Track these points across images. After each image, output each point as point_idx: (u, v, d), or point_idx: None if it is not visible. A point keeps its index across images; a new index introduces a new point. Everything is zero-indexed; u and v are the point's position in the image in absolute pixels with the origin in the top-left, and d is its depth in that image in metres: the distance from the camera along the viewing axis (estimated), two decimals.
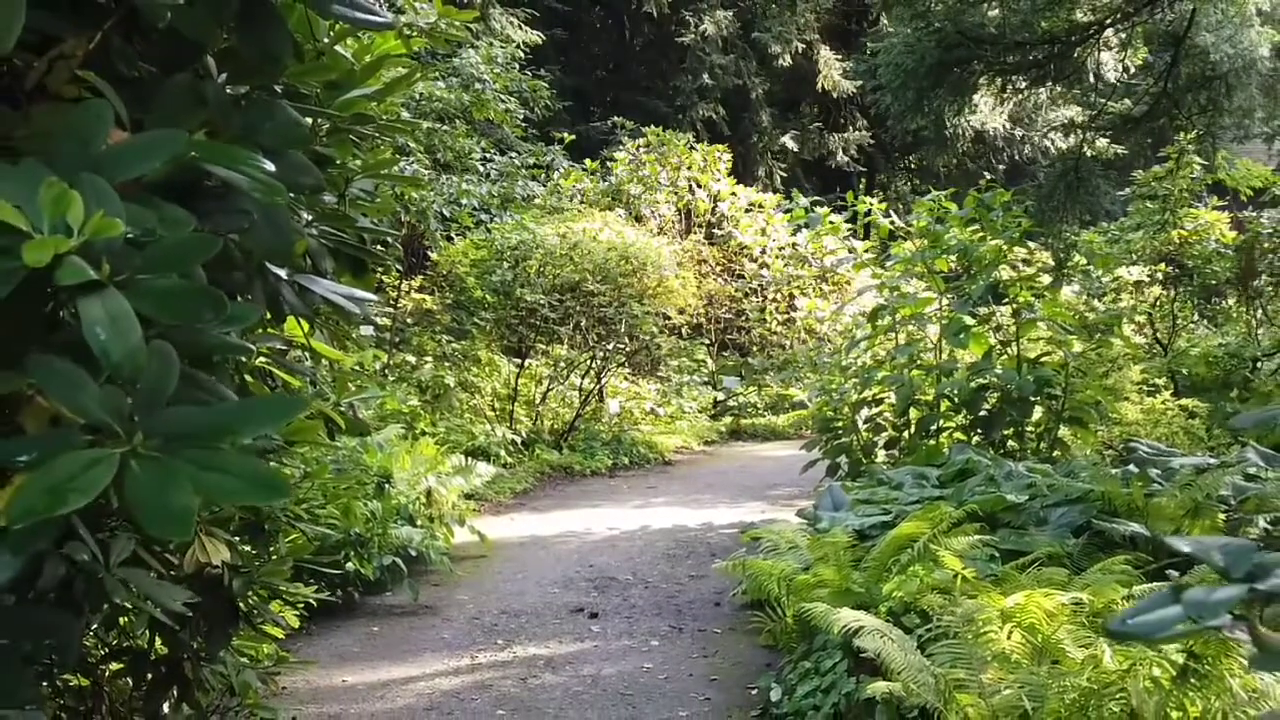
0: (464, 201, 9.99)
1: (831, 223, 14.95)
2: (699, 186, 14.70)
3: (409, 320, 10.41)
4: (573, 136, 14.32)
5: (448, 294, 10.62)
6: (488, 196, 10.82)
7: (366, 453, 6.00)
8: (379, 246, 2.12)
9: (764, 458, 11.61)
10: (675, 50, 20.34)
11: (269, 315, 1.70)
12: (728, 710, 3.92)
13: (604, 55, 22.71)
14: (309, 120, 1.77)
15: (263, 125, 1.42)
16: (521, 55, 12.08)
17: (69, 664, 2.00)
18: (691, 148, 14.76)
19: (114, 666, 2.62)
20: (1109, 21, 7.46)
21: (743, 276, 14.99)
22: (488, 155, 11.44)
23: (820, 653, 3.77)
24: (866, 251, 13.12)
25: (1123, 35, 8.04)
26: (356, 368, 7.23)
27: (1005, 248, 6.78)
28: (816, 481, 7.45)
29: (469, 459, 7.66)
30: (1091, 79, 8.37)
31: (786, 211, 15.16)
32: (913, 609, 3.59)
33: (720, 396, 14.19)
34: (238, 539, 2.51)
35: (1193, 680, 2.63)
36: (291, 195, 1.58)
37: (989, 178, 9.01)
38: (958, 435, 6.59)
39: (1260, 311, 10.23)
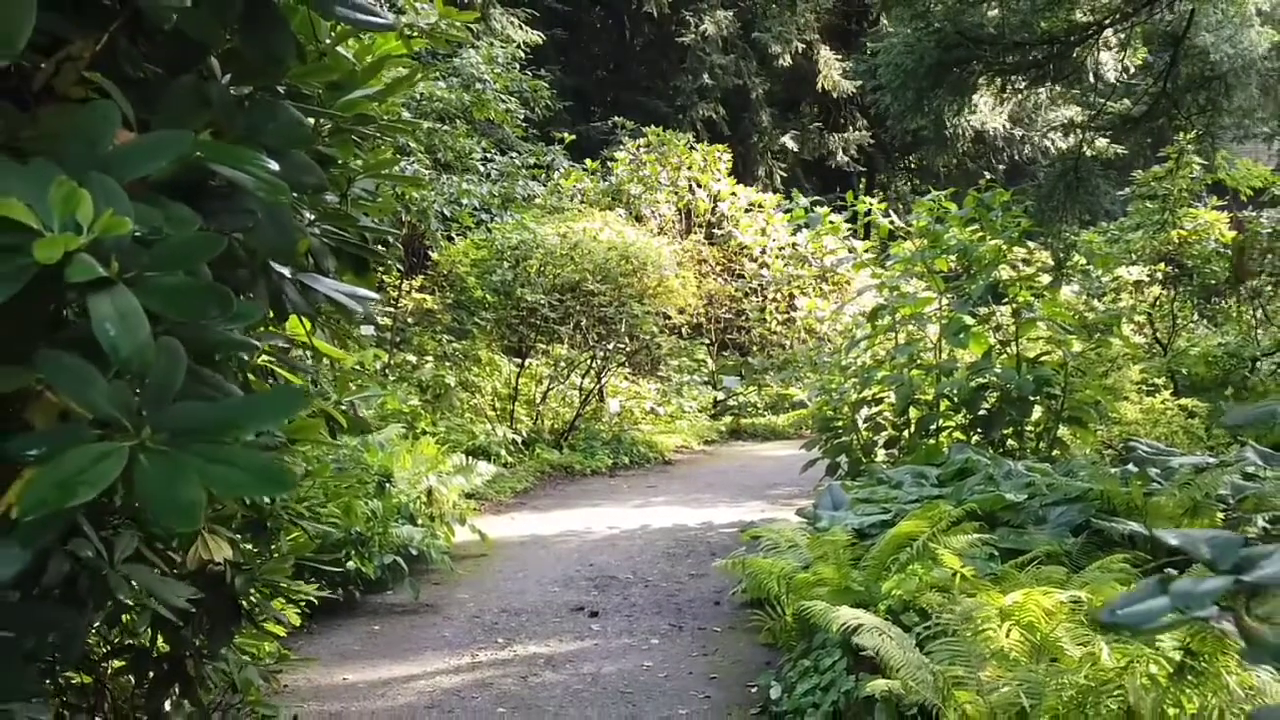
0: (464, 201, 10.01)
1: (831, 223, 14.97)
2: (699, 186, 14.72)
3: (410, 320, 10.43)
4: (573, 136, 14.34)
5: (448, 294, 10.64)
6: (488, 196, 10.84)
7: (367, 452, 6.01)
8: (380, 246, 2.14)
9: (764, 457, 11.62)
10: (675, 50, 20.36)
11: (272, 313, 1.71)
12: (727, 708, 3.93)
13: (604, 55, 22.73)
14: (311, 120, 1.79)
15: (266, 125, 1.44)
16: (522, 55, 12.09)
17: (72, 660, 2.01)
18: (691, 148, 14.78)
19: (116, 664, 2.63)
20: (1108, 22, 7.47)
21: (743, 276, 15.01)
22: (488, 155, 11.46)
23: (820, 651, 3.79)
24: (866, 251, 13.13)
25: (1122, 35, 8.05)
26: (357, 367, 7.25)
27: (1005, 247, 6.79)
28: (816, 481, 7.47)
29: (469, 458, 7.68)
30: (1091, 79, 8.38)
31: (786, 211, 15.18)
32: (912, 607, 3.60)
33: (720, 396, 14.21)
34: (239, 537, 2.53)
35: (1189, 678, 2.64)
36: (295, 194, 1.60)
37: (989, 178, 9.01)
38: (957, 435, 6.60)
39: (1260, 311, 10.24)
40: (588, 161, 14.64)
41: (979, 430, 6.45)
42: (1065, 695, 2.74)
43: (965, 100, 7.97)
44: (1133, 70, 9.08)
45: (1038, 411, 6.38)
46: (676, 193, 14.54)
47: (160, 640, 2.52)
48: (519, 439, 9.92)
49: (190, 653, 2.53)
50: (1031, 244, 7.73)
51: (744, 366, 14.94)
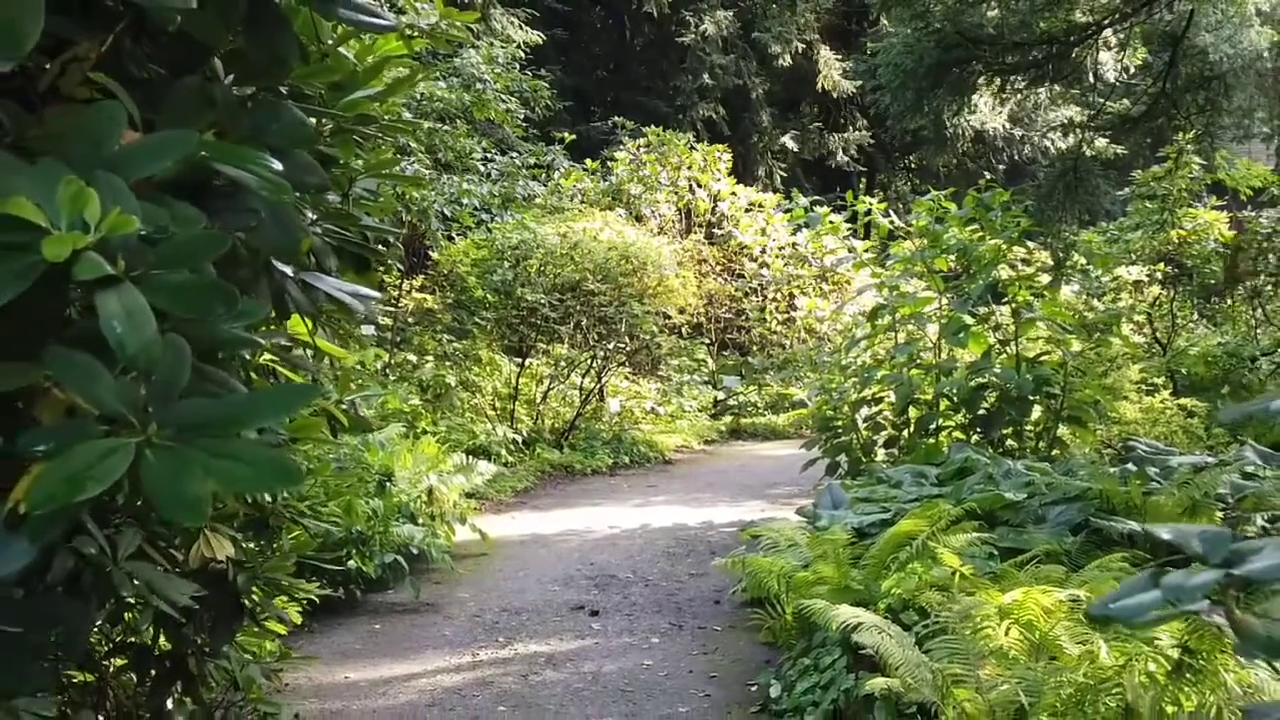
0: (465, 201, 10.02)
1: (831, 222, 14.97)
2: (699, 186, 14.73)
3: (410, 320, 10.44)
4: (573, 136, 14.35)
5: (449, 293, 10.65)
6: (488, 196, 10.85)
7: (368, 451, 6.03)
8: (381, 245, 2.15)
9: (764, 457, 11.63)
10: (675, 50, 20.37)
11: (274, 312, 1.73)
12: (727, 706, 3.94)
13: (604, 55, 22.75)
14: (313, 121, 1.80)
15: (270, 126, 1.45)
16: (522, 55, 12.10)
17: (76, 656, 2.02)
18: (692, 148, 14.79)
19: (118, 661, 2.64)
20: (1107, 22, 7.48)
21: (743, 276, 15.02)
22: (488, 155, 11.47)
23: (819, 649, 3.80)
24: (866, 251, 13.13)
25: (1121, 35, 8.06)
26: (358, 366, 7.26)
27: (1004, 247, 6.80)
28: (816, 480, 7.48)
29: (470, 457, 7.70)
30: (1090, 79, 8.39)
31: (786, 211, 15.19)
32: (911, 606, 3.62)
33: (720, 396, 14.22)
34: (241, 535, 2.54)
35: (1188, 675, 2.65)
36: (297, 194, 1.61)
37: (989, 177, 9.03)
38: (957, 434, 6.61)
39: (1260, 311, 10.25)
40: (588, 161, 14.64)
41: (978, 430, 6.46)
42: (1064, 693, 2.75)
43: (965, 100, 7.98)
44: (1132, 70, 9.09)
45: (1037, 411, 6.39)
46: (676, 192, 14.55)
47: (162, 638, 2.53)
48: (519, 438, 9.93)
49: (192, 650, 2.54)
50: (1031, 244, 7.74)
51: (744, 366, 14.95)
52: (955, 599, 3.39)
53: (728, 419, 13.82)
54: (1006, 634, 3.09)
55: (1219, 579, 0.85)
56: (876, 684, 3.06)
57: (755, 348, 15.27)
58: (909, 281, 7.59)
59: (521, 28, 15.29)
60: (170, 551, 2.25)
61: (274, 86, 1.66)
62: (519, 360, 10.97)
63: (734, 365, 15.00)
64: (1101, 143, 9.30)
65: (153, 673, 2.53)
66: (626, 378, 12.81)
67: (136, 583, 2.00)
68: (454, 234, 10.79)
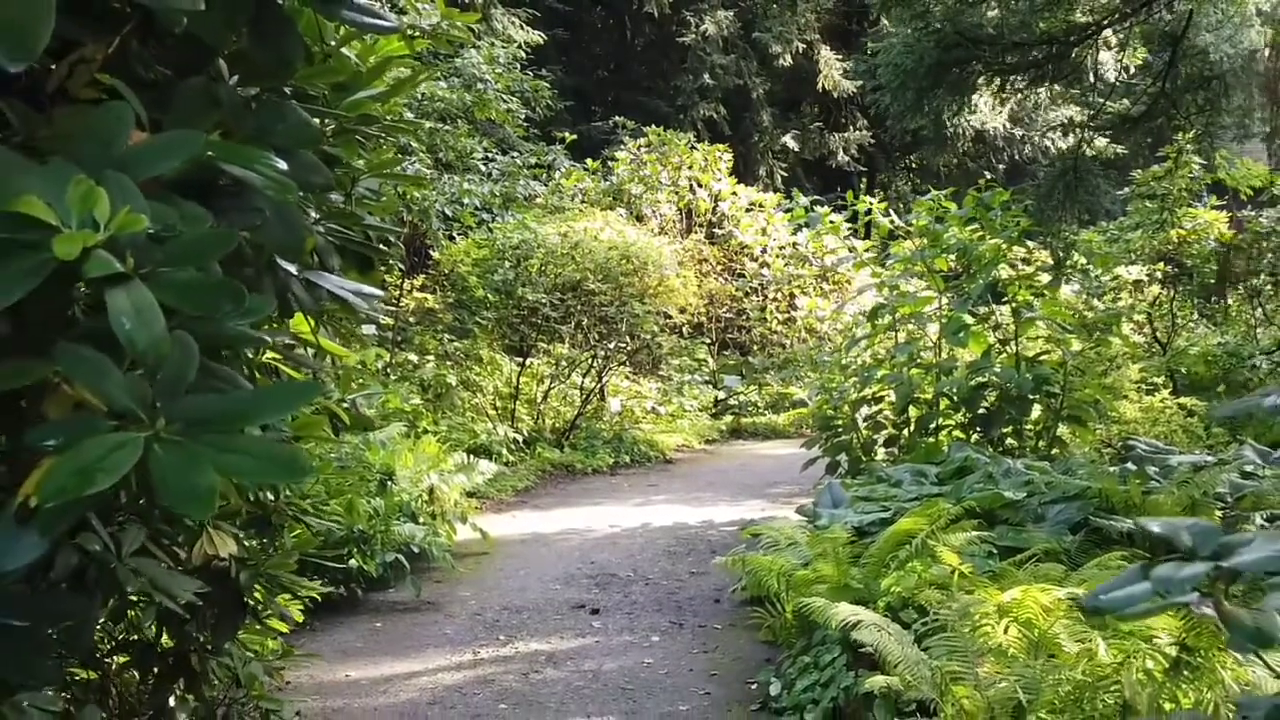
0: (466, 201, 10.04)
1: (832, 222, 14.98)
2: (700, 186, 14.74)
3: (411, 319, 10.46)
4: (574, 136, 14.36)
5: (450, 293, 10.66)
6: (489, 196, 10.86)
7: (369, 450, 6.04)
8: (383, 245, 2.17)
9: (764, 456, 11.64)
10: (676, 50, 20.39)
11: (278, 310, 1.74)
12: (727, 704, 3.96)
13: (605, 55, 22.77)
14: (317, 121, 1.81)
15: (275, 126, 1.47)
16: (523, 55, 12.11)
17: (80, 652, 2.04)
18: (692, 147, 14.80)
19: (121, 659, 2.65)
20: (1107, 22, 7.49)
21: (743, 276, 15.03)
22: (489, 155, 11.49)
23: (819, 647, 3.81)
24: (866, 251, 13.14)
25: (1121, 35, 8.07)
26: (359, 365, 7.27)
27: (1004, 247, 6.82)
28: (816, 479, 7.49)
29: (471, 457, 7.71)
30: (1090, 79, 8.40)
31: (787, 211, 15.20)
32: (910, 604, 3.63)
33: (721, 395, 14.23)
34: (244, 533, 2.56)
35: (1185, 672, 2.67)
36: (301, 193, 1.63)
37: (989, 177, 9.04)
38: (957, 433, 6.63)
39: (1259, 311, 10.26)
40: (589, 161, 14.66)
41: (978, 429, 6.48)
42: (1062, 690, 2.77)
43: (965, 100, 7.99)
44: (1132, 70, 9.09)
45: (1037, 410, 6.40)
46: (677, 192, 14.56)
47: (165, 635, 2.54)
48: (520, 438, 9.94)
49: (195, 648, 2.55)
50: (1031, 243, 7.75)
51: (744, 366, 14.97)
52: (954, 597, 3.41)
53: (728, 418, 13.83)
54: (1005, 632, 3.11)
55: (1208, 571, 0.86)
56: (876, 681, 3.07)
57: (756, 347, 15.28)
58: (909, 281, 7.60)
59: (522, 28, 15.31)
60: (173, 549, 2.26)
61: (278, 87, 1.68)
62: (520, 360, 10.98)
63: (734, 365, 15.01)
64: (1101, 142, 9.30)
65: (155, 670, 2.55)
66: (627, 377, 12.82)
67: (140, 579, 2.01)
68: (455, 234, 10.80)
